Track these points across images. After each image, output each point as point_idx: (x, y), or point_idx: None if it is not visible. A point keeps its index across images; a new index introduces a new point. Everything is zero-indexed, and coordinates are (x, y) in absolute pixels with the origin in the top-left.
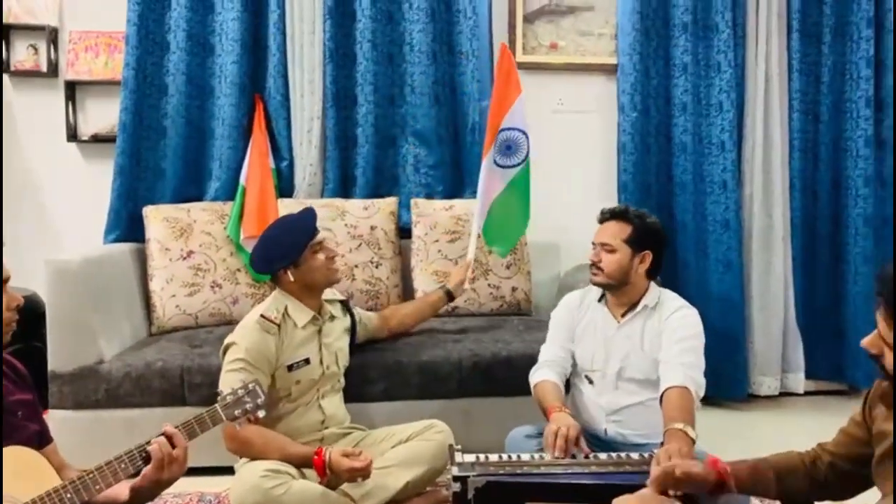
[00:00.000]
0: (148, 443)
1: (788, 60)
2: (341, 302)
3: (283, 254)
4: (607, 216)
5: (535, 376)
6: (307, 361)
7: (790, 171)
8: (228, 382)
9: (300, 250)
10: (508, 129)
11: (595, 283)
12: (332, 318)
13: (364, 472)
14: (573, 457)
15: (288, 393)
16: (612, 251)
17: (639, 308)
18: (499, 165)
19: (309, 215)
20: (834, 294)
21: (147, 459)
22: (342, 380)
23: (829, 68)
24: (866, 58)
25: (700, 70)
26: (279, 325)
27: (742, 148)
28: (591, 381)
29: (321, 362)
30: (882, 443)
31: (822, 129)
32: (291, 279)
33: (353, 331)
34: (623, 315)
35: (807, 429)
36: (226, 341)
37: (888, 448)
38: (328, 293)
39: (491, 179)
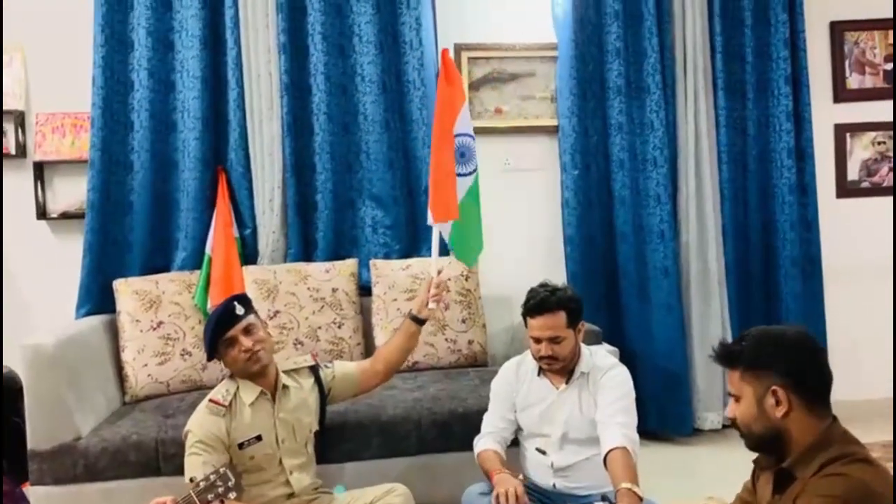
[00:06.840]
0: None
1: (716, 116)
2: (310, 367)
3: (205, 350)
4: (537, 310)
5: (479, 445)
6: (258, 438)
7: (722, 218)
8: (190, 466)
9: (214, 348)
10: (461, 134)
11: (553, 372)
12: (290, 388)
13: None
14: None
15: (245, 469)
16: (560, 341)
17: (576, 376)
18: (458, 174)
19: (222, 310)
20: None
21: None
22: (309, 451)
23: (754, 122)
24: (786, 112)
25: (635, 129)
26: (228, 406)
27: (677, 199)
28: (543, 452)
29: (276, 437)
30: None
31: (749, 178)
32: (224, 367)
33: (322, 395)
34: (562, 383)
35: (747, 460)
36: (185, 428)
37: None
38: (291, 362)
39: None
